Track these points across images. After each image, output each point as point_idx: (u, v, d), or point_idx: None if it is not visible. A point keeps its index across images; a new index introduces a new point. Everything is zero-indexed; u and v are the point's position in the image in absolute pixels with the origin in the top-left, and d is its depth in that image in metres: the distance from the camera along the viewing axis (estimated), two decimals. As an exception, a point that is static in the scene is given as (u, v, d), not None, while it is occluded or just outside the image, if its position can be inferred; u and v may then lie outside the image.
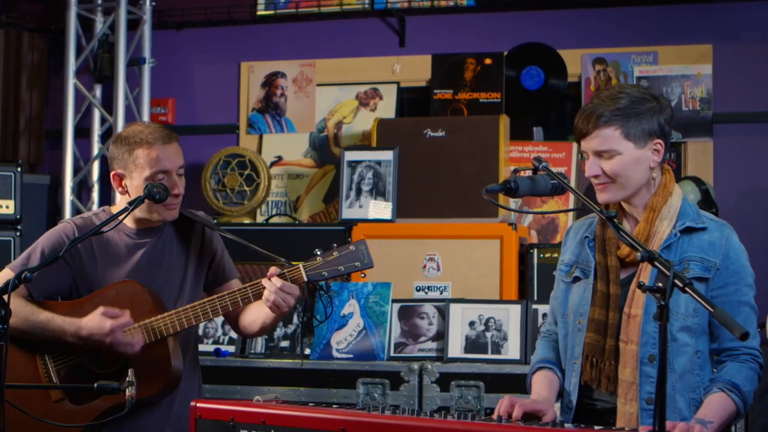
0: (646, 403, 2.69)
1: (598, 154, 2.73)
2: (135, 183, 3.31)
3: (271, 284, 3.13)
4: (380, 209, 4.98)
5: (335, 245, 3.18)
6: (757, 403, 4.19)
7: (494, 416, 2.60)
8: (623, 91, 2.75)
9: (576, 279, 2.89)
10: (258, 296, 3.20)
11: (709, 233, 2.76)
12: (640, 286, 2.28)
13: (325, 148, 5.63)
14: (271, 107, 5.71)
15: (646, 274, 2.72)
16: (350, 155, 5.10)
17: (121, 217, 3.21)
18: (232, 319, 3.50)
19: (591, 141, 2.73)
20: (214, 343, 4.75)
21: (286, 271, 3.16)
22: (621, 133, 2.70)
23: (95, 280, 3.34)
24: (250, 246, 3.36)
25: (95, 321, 3.19)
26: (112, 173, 3.37)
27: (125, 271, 3.35)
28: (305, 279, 3.14)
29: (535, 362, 2.97)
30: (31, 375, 3.27)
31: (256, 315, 3.39)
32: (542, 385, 2.86)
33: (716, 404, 2.64)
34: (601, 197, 2.78)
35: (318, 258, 3.14)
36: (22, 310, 3.20)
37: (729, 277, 2.73)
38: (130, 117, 5.55)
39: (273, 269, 3.17)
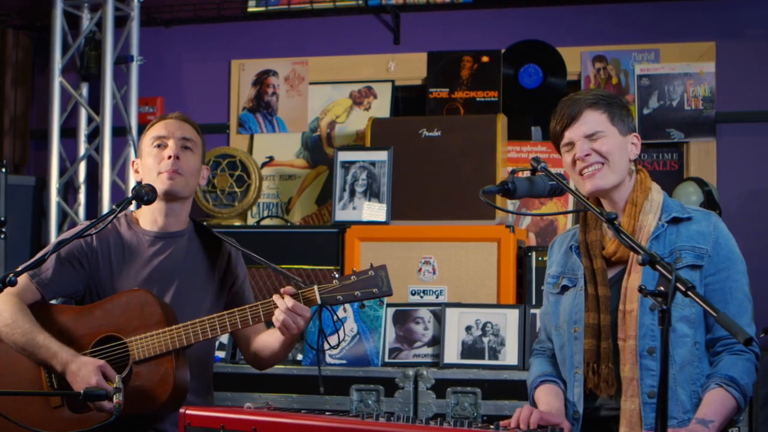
0: (648, 397, 2.68)
1: (588, 137, 2.80)
2: (144, 161, 3.33)
3: (283, 303, 3.06)
4: (374, 211, 4.94)
5: (354, 270, 3.11)
6: (761, 410, 4.14)
7: (512, 424, 2.66)
8: (592, 90, 2.95)
9: (564, 288, 2.92)
10: (268, 315, 3.12)
11: (697, 223, 2.81)
12: (640, 290, 2.28)
13: (318, 149, 5.59)
14: (262, 106, 5.66)
15: (637, 271, 2.74)
16: (344, 155, 5.05)
17: (109, 218, 3.12)
18: (244, 345, 3.45)
19: (579, 127, 2.81)
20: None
21: (300, 291, 3.09)
22: (607, 117, 2.82)
23: (109, 286, 3.29)
24: (270, 265, 3.32)
25: (89, 371, 3.07)
26: (132, 161, 3.43)
27: (140, 278, 3.29)
28: (319, 301, 3.07)
29: (536, 377, 2.96)
30: (34, 379, 3.21)
31: (266, 340, 3.35)
32: (551, 397, 2.87)
33: (716, 401, 2.63)
34: (592, 183, 2.81)
35: (335, 281, 3.07)
36: (23, 325, 3.15)
37: (720, 263, 2.76)
38: (118, 116, 5.51)
39: (288, 288, 3.10)
